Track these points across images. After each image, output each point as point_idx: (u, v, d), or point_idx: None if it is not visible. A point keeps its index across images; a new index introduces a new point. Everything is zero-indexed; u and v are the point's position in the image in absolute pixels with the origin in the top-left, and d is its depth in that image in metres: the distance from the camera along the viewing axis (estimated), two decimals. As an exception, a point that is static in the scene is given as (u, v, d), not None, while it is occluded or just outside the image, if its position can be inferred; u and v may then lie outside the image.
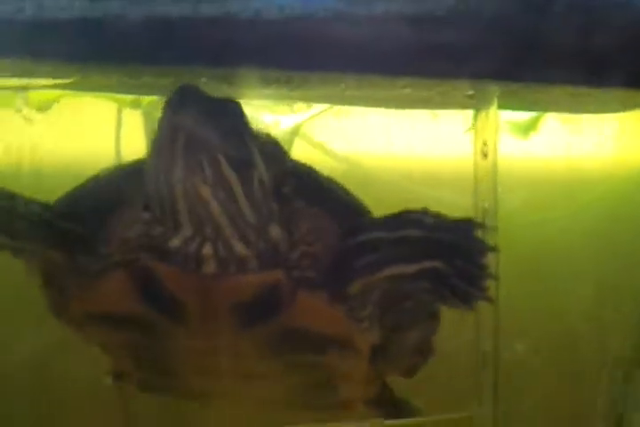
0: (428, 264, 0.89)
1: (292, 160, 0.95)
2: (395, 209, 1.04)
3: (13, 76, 1.12)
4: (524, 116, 1.41)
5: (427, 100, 1.22)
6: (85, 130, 1.36)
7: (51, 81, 1.17)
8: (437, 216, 0.92)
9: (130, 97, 1.42)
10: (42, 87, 1.28)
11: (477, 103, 1.25)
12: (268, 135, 0.89)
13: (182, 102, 0.79)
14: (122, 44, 0.91)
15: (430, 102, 1.29)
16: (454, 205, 1.24)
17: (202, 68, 0.98)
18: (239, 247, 0.83)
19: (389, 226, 0.91)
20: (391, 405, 1.07)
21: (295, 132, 1.47)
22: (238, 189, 0.81)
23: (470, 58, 0.94)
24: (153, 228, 0.84)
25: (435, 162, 1.41)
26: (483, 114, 1.26)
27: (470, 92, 1.18)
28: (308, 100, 1.38)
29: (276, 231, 0.85)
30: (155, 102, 1.51)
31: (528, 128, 1.37)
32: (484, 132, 1.25)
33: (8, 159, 1.32)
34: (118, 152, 1.35)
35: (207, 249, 0.82)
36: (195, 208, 0.80)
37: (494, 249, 0.90)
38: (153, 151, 0.82)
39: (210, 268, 0.83)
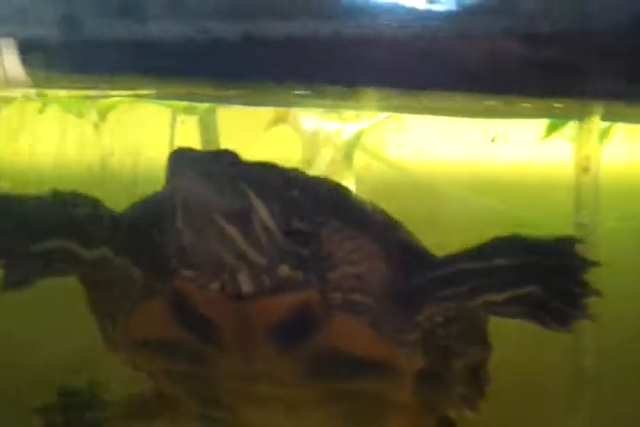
0: (520, 291, 0.86)
1: (321, 183, 0.93)
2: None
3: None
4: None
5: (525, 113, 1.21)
6: (142, 135, 1.35)
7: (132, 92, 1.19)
8: (530, 239, 0.89)
9: (184, 103, 1.41)
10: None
11: (580, 117, 1.24)
12: (270, 173, 0.86)
13: (178, 166, 0.79)
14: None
15: (530, 115, 1.28)
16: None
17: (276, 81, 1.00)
18: (252, 287, 0.83)
19: (476, 256, 0.88)
20: None
21: (356, 140, 1.46)
22: (240, 240, 0.81)
23: (578, 75, 0.93)
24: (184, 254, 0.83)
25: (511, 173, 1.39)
26: (585, 128, 1.25)
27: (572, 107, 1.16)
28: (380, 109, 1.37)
29: (286, 271, 0.84)
30: (210, 109, 1.50)
31: (601, 137, 1.35)
32: (587, 146, 1.24)
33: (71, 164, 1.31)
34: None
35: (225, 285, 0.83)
36: (204, 261, 0.82)
37: (596, 264, 0.86)
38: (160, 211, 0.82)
39: (236, 291, 0.83)
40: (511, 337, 1.00)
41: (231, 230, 0.79)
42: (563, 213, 1.24)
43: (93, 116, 1.34)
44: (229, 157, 0.82)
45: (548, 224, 1.10)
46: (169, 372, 0.96)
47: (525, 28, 0.87)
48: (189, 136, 1.46)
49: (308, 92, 1.11)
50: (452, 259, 0.88)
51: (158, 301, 0.87)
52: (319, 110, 1.40)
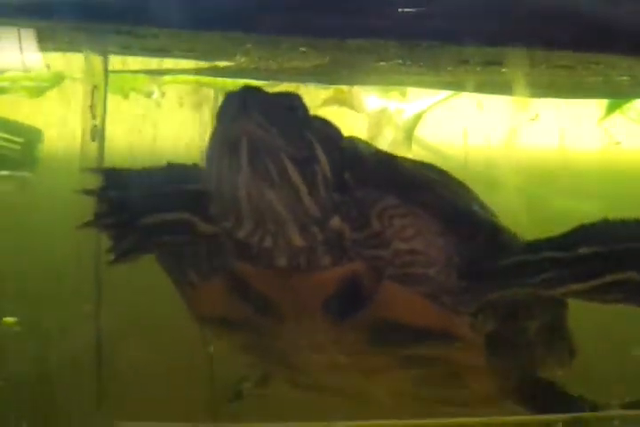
0: (611, 278, 0.81)
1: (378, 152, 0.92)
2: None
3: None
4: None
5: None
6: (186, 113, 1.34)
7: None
8: (620, 223, 0.84)
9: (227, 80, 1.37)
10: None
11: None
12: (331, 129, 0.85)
13: (244, 105, 0.77)
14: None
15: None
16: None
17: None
18: (303, 241, 0.82)
19: (563, 245, 0.84)
20: (545, 399, 0.99)
21: (417, 121, 1.41)
22: (302, 187, 0.79)
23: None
24: (233, 232, 0.82)
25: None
26: None
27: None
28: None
29: (337, 223, 0.83)
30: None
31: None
32: None
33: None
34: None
35: (276, 244, 0.81)
36: (259, 208, 0.80)
37: None
38: (213, 155, 0.80)
39: (283, 263, 0.82)
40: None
41: (295, 175, 0.78)
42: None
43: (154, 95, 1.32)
44: (296, 102, 0.81)
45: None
46: (237, 346, 0.96)
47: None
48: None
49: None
50: (536, 246, 0.85)
51: (217, 283, 0.87)
52: (380, 87, 1.36)
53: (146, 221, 0.89)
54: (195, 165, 0.90)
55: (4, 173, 1.32)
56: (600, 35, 0.87)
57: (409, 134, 1.43)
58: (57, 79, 1.28)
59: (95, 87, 1.14)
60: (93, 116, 1.13)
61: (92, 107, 1.13)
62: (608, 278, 0.81)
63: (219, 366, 1.11)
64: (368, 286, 0.84)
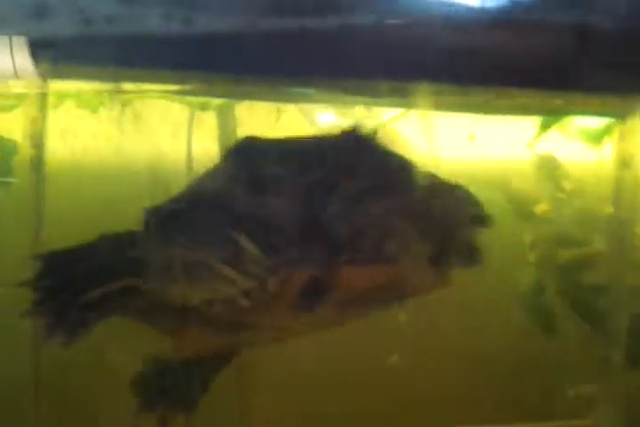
0: None
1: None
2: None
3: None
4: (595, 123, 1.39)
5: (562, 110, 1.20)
6: (157, 131, 1.38)
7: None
8: None
9: (199, 99, 1.41)
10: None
11: (621, 114, 1.27)
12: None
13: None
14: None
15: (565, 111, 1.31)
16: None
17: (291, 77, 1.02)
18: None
19: None
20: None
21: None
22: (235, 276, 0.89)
23: (617, 72, 0.95)
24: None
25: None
26: (626, 124, 1.25)
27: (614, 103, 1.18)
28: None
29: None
30: (227, 104, 1.51)
31: (601, 136, 1.36)
32: (628, 142, 1.27)
33: (85, 159, 1.31)
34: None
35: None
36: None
37: None
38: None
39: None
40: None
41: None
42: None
43: (110, 110, 1.36)
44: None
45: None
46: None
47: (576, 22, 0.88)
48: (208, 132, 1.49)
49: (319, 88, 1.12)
50: None
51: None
52: (333, 106, 1.41)
53: (89, 296, 0.93)
54: (130, 233, 0.96)
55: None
56: (507, 70, 0.94)
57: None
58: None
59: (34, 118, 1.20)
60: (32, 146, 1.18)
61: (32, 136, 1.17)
62: None
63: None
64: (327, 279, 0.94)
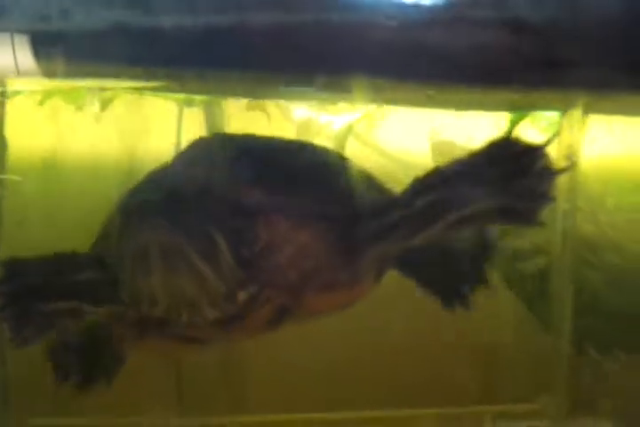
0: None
1: None
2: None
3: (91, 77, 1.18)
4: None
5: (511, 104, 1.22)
6: (143, 127, 1.42)
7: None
8: None
9: (183, 96, 1.45)
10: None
11: (563, 107, 1.30)
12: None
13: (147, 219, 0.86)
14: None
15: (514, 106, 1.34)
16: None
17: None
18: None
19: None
20: None
21: (347, 132, 1.49)
22: (209, 273, 0.89)
23: (561, 66, 0.97)
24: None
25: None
26: (568, 117, 1.27)
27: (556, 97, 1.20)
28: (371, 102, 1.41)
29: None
30: (214, 101, 1.54)
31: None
32: (569, 135, 1.30)
33: (71, 156, 1.34)
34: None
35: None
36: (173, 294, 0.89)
37: None
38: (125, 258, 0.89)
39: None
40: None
41: (202, 265, 0.88)
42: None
43: (94, 107, 1.40)
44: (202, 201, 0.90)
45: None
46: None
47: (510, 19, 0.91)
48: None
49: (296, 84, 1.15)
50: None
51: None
52: (308, 103, 1.45)
53: (43, 308, 0.97)
54: (86, 254, 1.00)
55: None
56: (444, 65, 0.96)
57: (341, 145, 1.51)
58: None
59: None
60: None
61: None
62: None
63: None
64: (292, 306, 0.97)
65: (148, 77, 1.19)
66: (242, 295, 0.92)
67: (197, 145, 1.11)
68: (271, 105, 1.43)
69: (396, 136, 1.47)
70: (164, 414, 1.23)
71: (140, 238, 0.86)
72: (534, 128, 1.38)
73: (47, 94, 1.37)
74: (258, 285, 0.93)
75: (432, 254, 1.06)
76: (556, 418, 1.24)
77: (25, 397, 1.22)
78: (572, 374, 1.23)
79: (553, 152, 1.12)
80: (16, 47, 1.00)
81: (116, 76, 1.17)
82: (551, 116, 1.37)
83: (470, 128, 1.37)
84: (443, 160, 1.24)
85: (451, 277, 1.11)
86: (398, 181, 1.21)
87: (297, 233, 0.95)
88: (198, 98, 1.50)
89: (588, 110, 1.29)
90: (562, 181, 1.17)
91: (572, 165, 1.22)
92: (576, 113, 1.27)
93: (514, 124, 1.35)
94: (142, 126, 1.44)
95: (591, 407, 1.24)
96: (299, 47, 0.96)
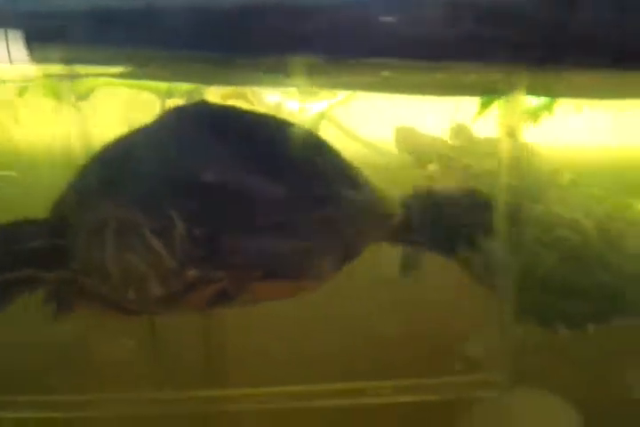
0: None
1: None
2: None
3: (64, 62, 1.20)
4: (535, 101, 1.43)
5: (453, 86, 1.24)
6: (123, 118, 1.43)
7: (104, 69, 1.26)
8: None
9: (164, 85, 1.48)
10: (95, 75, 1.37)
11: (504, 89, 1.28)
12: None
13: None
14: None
15: (456, 88, 1.32)
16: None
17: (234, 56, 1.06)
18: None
19: None
20: None
21: (321, 117, 1.51)
22: (162, 251, 0.90)
23: (501, 45, 0.98)
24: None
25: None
26: (509, 99, 1.29)
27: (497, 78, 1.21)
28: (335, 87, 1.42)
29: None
30: (194, 90, 1.57)
31: (539, 113, 1.39)
32: (511, 116, 1.29)
33: (51, 147, 1.37)
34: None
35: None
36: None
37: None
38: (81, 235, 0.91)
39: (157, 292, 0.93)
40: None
41: (155, 243, 0.90)
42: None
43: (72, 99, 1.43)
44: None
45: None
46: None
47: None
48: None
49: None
50: None
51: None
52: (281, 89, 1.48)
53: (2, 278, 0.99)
54: (45, 220, 1.00)
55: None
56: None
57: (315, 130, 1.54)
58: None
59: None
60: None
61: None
62: None
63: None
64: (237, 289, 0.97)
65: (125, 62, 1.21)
66: (191, 274, 0.93)
67: (169, 117, 1.11)
68: (248, 92, 1.46)
69: (368, 122, 1.50)
70: (139, 387, 1.27)
71: (99, 213, 0.89)
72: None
73: (26, 86, 1.40)
74: (208, 265, 0.94)
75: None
76: (502, 389, 1.27)
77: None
78: (517, 346, 1.26)
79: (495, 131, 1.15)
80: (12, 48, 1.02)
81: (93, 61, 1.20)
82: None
83: (434, 114, 1.40)
84: (406, 147, 1.27)
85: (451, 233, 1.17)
86: (371, 166, 1.24)
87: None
88: (179, 88, 1.52)
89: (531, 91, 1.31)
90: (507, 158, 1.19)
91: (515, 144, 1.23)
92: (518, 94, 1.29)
93: (484, 107, 1.37)
94: (123, 118, 1.46)
95: (539, 379, 1.27)
96: (259, 29, 0.98)
